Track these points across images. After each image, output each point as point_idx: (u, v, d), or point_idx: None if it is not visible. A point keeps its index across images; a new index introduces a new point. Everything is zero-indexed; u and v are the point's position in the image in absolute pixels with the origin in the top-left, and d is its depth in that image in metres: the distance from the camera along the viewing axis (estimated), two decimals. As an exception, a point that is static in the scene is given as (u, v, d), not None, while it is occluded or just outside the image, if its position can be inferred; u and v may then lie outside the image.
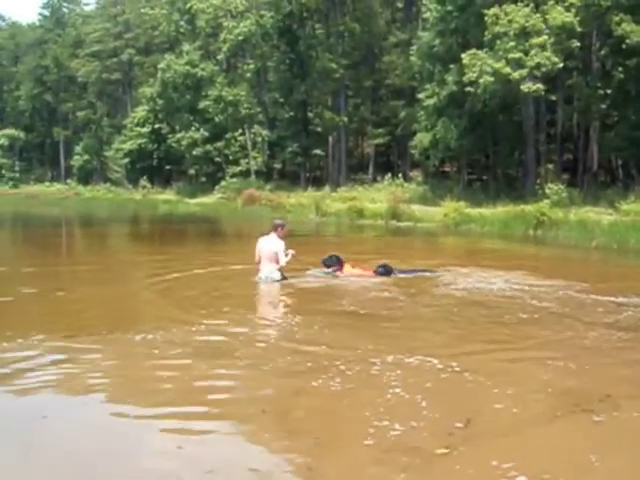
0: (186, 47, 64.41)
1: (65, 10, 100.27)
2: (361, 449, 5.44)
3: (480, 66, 34.08)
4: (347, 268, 14.37)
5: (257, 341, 9.12)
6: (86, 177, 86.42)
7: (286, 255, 13.58)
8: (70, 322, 10.39)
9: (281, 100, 59.61)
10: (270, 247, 13.52)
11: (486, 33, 35.16)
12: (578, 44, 34.14)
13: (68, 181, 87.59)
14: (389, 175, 46.32)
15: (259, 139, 60.92)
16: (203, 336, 9.23)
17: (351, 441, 5.69)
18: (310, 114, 59.37)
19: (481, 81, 34.03)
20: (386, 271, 14.18)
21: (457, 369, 7.52)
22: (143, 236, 33.66)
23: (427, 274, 14.75)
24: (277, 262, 13.51)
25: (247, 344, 8.90)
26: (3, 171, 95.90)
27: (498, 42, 34.43)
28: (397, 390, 6.76)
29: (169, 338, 8.99)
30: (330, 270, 14.23)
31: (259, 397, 6.89)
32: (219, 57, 64.70)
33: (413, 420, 5.95)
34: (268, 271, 13.50)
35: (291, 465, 5.24)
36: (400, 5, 62.29)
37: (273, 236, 13.71)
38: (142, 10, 78.25)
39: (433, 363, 7.72)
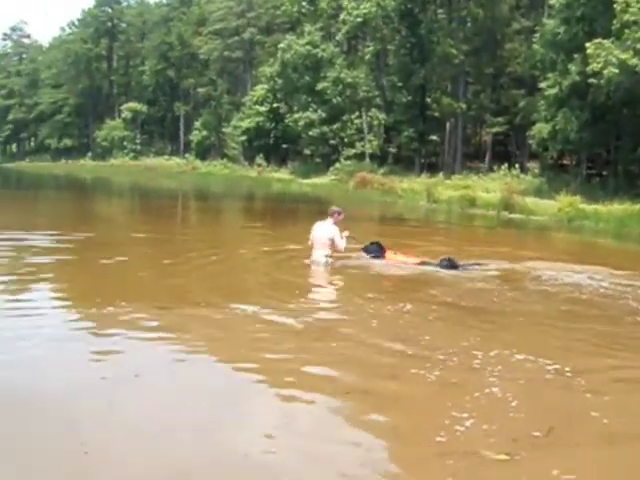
0: (307, 28, 64.76)
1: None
2: (425, 444, 5.37)
3: (605, 56, 32.85)
4: (390, 255, 14.13)
5: (357, 323, 9.08)
6: (204, 152, 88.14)
7: (342, 238, 13.51)
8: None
9: (399, 84, 59.10)
10: (323, 233, 13.48)
11: (614, 22, 33.83)
12: None
13: (186, 155, 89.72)
14: (505, 165, 45.46)
15: (375, 122, 60.76)
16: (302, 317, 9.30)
17: (421, 434, 5.63)
18: (428, 99, 58.65)
19: (605, 72, 32.85)
20: (451, 265, 13.49)
21: (563, 372, 7.19)
22: (255, 212, 34.10)
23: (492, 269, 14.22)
24: (330, 247, 13.47)
25: (346, 326, 8.97)
26: (125, 143, 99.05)
27: (627, 31, 33.01)
28: (491, 387, 6.57)
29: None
30: (371, 256, 14.06)
31: (349, 378, 6.94)
32: (339, 38, 64.65)
33: (493, 420, 5.77)
34: (317, 255, 13.47)
35: (354, 449, 5.25)
36: (526, -9, 60.88)
37: (329, 222, 13.64)
38: (266, -11, 78.96)
39: (539, 363, 7.42)
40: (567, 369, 7.26)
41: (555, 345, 8.58)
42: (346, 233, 13.73)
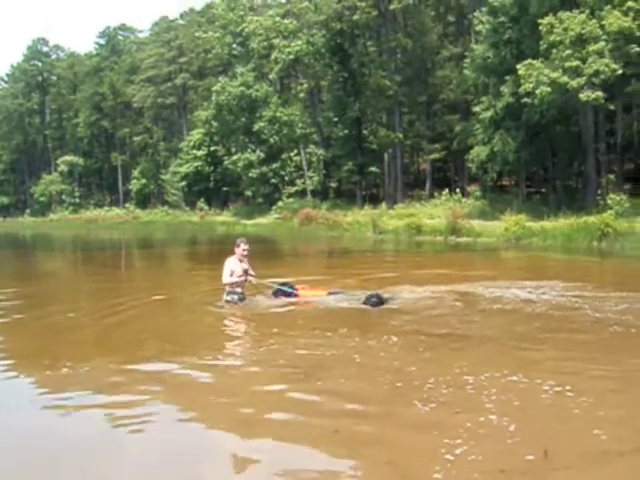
0: (239, 69, 64.84)
1: (120, 38, 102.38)
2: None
3: (536, 76, 33.36)
4: (303, 292, 13.69)
5: (346, 360, 8.85)
6: (144, 201, 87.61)
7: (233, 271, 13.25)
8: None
9: (335, 119, 59.29)
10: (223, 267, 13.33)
11: (541, 42, 34.47)
12: (638, 49, 33.05)
13: (126, 205, 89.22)
14: (446, 190, 45.94)
15: (314, 159, 61.00)
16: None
17: (418, 468, 5.43)
18: (365, 132, 59.03)
19: (538, 91, 33.30)
20: (379, 301, 12.63)
21: (557, 389, 7.10)
22: (201, 256, 33.77)
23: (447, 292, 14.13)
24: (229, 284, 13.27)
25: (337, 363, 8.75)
26: (63, 196, 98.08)
27: (554, 51, 33.67)
28: (486, 413, 6.43)
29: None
30: (288, 290, 13.57)
31: (342, 413, 6.77)
32: (272, 77, 64.87)
33: (488, 447, 5.59)
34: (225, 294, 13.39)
35: None
36: (452, 19, 61.74)
37: (233, 256, 13.49)
38: (195, 34, 78.94)
39: (533, 382, 7.35)
40: (556, 385, 7.21)
41: (540, 361, 8.52)
42: (250, 278, 13.58)
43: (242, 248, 13.43)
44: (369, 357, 8.93)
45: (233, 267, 13.22)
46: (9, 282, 22.03)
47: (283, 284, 13.85)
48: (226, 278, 13.15)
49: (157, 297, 14.55)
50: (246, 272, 13.40)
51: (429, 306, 12.56)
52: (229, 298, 13.24)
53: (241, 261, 13.41)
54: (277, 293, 13.56)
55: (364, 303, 12.63)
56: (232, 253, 13.38)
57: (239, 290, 13.34)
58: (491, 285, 14.75)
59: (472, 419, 6.26)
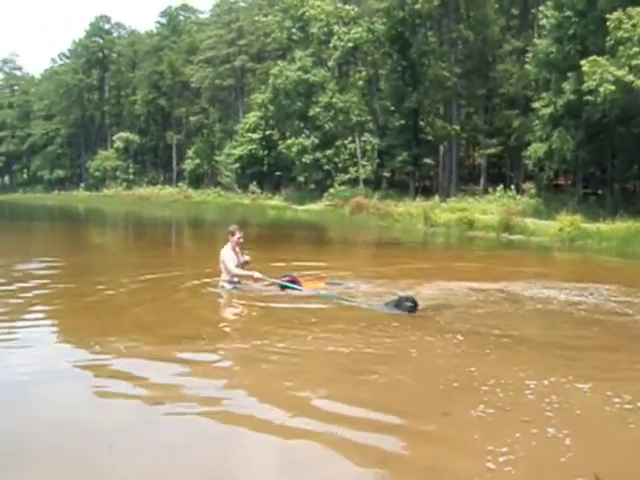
0: (298, 54, 64.62)
1: (181, 18, 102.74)
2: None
3: (601, 73, 32.53)
4: (307, 284, 13.28)
5: (402, 356, 8.62)
6: (197, 181, 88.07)
7: (237, 261, 13.08)
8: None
9: (392, 108, 58.74)
10: (220, 258, 13.11)
11: (608, 39, 33.57)
12: None
13: (179, 184, 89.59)
14: (501, 186, 45.31)
15: (369, 147, 60.61)
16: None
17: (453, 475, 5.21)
18: (421, 122, 58.41)
19: (601, 89, 32.52)
20: (413, 306, 11.16)
21: (628, 406, 6.68)
22: (251, 238, 33.71)
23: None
24: (226, 272, 13.04)
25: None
26: (118, 173, 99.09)
27: (621, 48, 32.73)
28: (544, 423, 6.12)
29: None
30: (294, 286, 12.95)
31: (396, 412, 6.54)
32: (330, 64, 64.57)
33: (536, 463, 5.30)
34: (221, 280, 13.17)
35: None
36: (515, 12, 60.67)
37: (227, 245, 13.25)
38: (255, 17, 78.89)
39: (601, 394, 7.00)
40: (627, 400, 6.81)
41: (611, 370, 8.18)
42: (247, 257, 13.37)
43: (237, 236, 13.26)
44: (426, 354, 8.67)
45: (233, 257, 13.09)
46: (60, 253, 22.59)
47: (287, 279, 13.14)
48: (235, 269, 13.02)
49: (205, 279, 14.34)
50: (247, 263, 13.29)
51: (479, 304, 12.24)
52: (225, 286, 13.10)
53: (235, 250, 13.23)
54: (283, 288, 12.96)
55: (396, 306, 11.26)
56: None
57: (236, 280, 13.21)
58: (547, 285, 14.42)
59: (527, 428, 5.99)
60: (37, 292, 13.23)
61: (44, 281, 14.63)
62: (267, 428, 6.05)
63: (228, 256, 13.01)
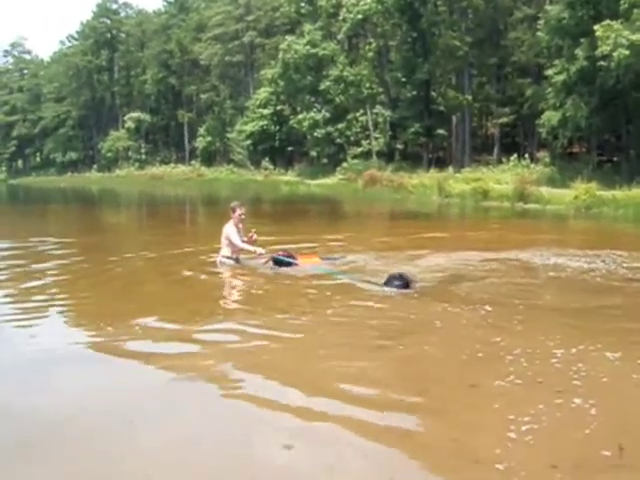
0: (307, 27, 64.22)
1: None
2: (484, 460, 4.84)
3: (615, 38, 32.09)
4: (304, 259, 13.06)
5: (421, 328, 8.52)
6: (209, 158, 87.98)
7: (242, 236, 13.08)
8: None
9: (403, 79, 58.36)
10: (223, 233, 13.05)
11: (621, 2, 33.08)
12: None
13: (192, 162, 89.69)
14: (515, 156, 44.93)
15: (381, 119, 60.28)
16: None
17: (479, 448, 5.06)
18: (433, 93, 57.97)
19: (615, 54, 32.09)
20: (404, 283, 10.55)
21: None
22: (266, 215, 33.67)
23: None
24: (228, 247, 13.03)
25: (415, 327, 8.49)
26: (130, 153, 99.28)
27: (635, 11, 32.25)
28: (570, 393, 5.99)
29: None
30: (290, 260, 12.73)
31: (425, 378, 6.61)
32: (339, 37, 64.14)
33: (553, 436, 5.16)
34: (219, 256, 13.20)
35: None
36: (526, -21, 60.15)
37: (230, 221, 13.17)
38: (263, -8, 78.61)
39: (633, 362, 6.86)
40: None
41: (635, 337, 8.01)
42: (254, 235, 13.24)
43: (238, 212, 13.21)
44: (450, 325, 8.53)
45: (236, 233, 13.03)
46: (75, 233, 22.98)
47: (282, 254, 13.01)
48: (241, 243, 12.97)
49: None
50: (255, 241, 13.20)
51: (496, 273, 12.14)
52: (225, 261, 13.12)
53: (238, 226, 13.18)
54: (279, 263, 12.69)
55: (385, 284, 10.62)
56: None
57: (235, 256, 13.22)
58: (563, 253, 14.33)
59: (554, 398, 5.87)
60: (53, 272, 13.23)
61: (61, 261, 14.62)
62: (289, 407, 5.94)
63: (232, 231, 12.96)
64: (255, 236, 13.24)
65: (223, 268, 12.98)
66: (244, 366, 7.08)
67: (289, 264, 12.62)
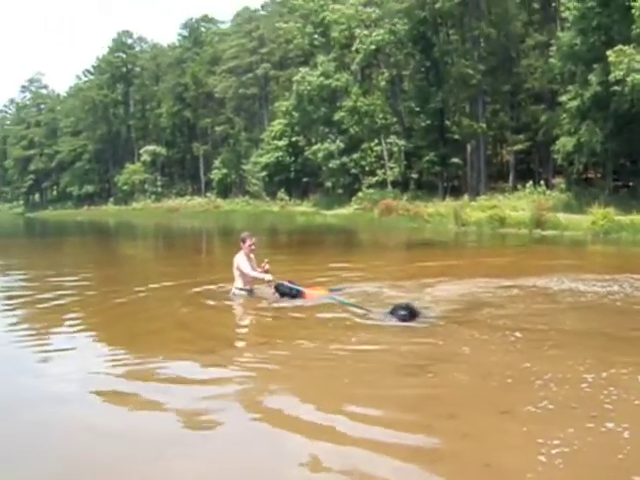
0: (320, 59, 64.58)
1: (202, 29, 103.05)
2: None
3: (628, 63, 32.22)
4: (310, 292, 12.77)
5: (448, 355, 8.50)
6: (225, 190, 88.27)
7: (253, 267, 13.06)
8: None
9: (417, 109, 58.71)
10: (234, 265, 13.06)
11: (633, 27, 33.25)
12: None
13: (208, 194, 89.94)
14: (530, 183, 44.87)
15: (395, 149, 60.41)
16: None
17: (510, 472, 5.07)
18: (447, 122, 58.26)
19: (629, 79, 32.17)
20: (411, 314, 10.27)
21: None
22: (282, 245, 33.71)
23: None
24: (241, 278, 12.98)
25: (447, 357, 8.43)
26: (146, 186, 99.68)
27: (647, 36, 32.52)
28: (599, 418, 5.96)
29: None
30: (295, 287, 12.61)
31: (456, 403, 6.61)
32: (353, 68, 64.49)
33: (585, 460, 5.13)
34: (234, 287, 13.17)
35: None
36: (537, 6, 60.26)
37: (241, 252, 13.18)
38: (276, 25, 79.16)
39: None
40: None
41: None
42: (266, 265, 13.15)
43: (248, 243, 13.23)
44: (479, 351, 8.54)
45: (247, 263, 13.04)
46: (90, 266, 23.02)
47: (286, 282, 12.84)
48: (251, 272, 12.98)
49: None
50: (267, 272, 13.07)
51: (518, 299, 12.18)
52: (237, 293, 13.11)
53: (249, 256, 13.19)
54: (283, 293, 12.61)
55: (391, 313, 10.44)
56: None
57: (248, 287, 13.18)
58: (583, 278, 14.28)
59: (586, 423, 5.87)
60: (72, 302, 13.41)
61: (78, 292, 14.86)
62: (322, 433, 5.97)
63: (243, 261, 13.00)
64: (267, 266, 13.19)
65: (237, 300, 12.96)
66: (275, 394, 7.15)
67: (294, 295, 12.52)
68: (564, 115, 41.52)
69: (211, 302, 12.75)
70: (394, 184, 58.68)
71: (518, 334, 9.25)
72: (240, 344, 9.59)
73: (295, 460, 5.50)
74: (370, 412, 6.37)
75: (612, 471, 5.01)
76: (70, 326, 11.15)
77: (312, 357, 8.49)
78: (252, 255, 13.34)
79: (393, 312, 10.38)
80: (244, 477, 5.35)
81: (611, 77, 33.36)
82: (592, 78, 36.82)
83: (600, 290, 12.77)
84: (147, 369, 8.20)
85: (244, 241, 13.23)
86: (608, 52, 33.57)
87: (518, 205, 39.88)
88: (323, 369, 7.99)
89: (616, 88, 33.64)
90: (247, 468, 5.47)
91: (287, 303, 12.28)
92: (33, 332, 10.87)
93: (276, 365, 8.22)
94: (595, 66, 36.52)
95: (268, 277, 12.84)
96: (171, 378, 7.83)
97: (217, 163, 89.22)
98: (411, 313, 10.28)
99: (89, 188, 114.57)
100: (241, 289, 13.09)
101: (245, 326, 11.41)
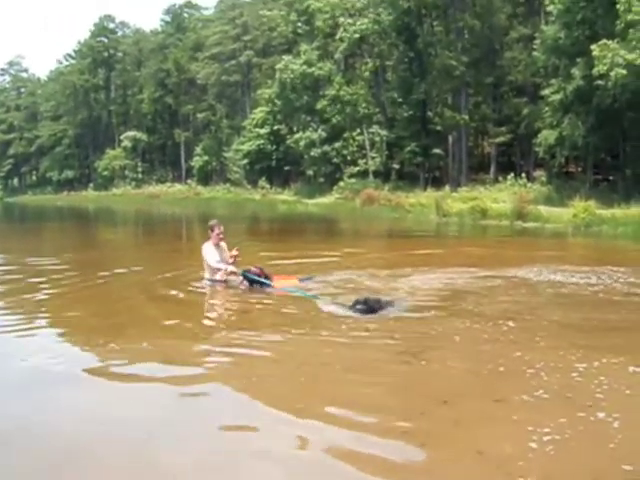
0: (304, 47, 64.42)
1: (185, 15, 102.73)
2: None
3: (611, 58, 32.31)
4: (279, 281, 12.66)
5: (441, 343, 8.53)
6: (206, 177, 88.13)
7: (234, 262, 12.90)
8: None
9: (400, 99, 58.74)
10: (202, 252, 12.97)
11: (617, 22, 33.29)
12: None
13: (188, 181, 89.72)
14: (511, 175, 45.01)
15: (377, 139, 60.38)
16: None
17: (502, 458, 5.09)
18: (429, 113, 58.29)
19: (612, 74, 32.26)
20: (368, 308, 10.08)
21: None
22: (263, 233, 33.70)
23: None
24: (209, 268, 12.84)
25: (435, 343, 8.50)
26: (126, 172, 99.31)
27: (631, 31, 32.39)
28: (591, 407, 6.02)
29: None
30: (263, 280, 12.42)
31: (449, 392, 6.61)
32: (336, 56, 64.38)
33: (577, 449, 5.17)
34: (205, 277, 13.03)
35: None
36: (521, -1, 60.46)
37: (208, 241, 13.10)
38: (260, 12, 79.01)
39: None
40: None
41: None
42: (236, 252, 13.07)
43: (216, 232, 13.07)
44: (470, 340, 8.56)
45: (214, 252, 12.89)
46: (69, 250, 23.11)
47: (255, 272, 12.61)
48: (214, 263, 12.77)
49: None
50: (236, 257, 13.05)
51: (501, 290, 12.23)
52: (206, 283, 12.98)
53: (219, 245, 13.09)
54: (251, 281, 12.46)
55: (350, 308, 10.30)
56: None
57: (217, 277, 12.95)
58: (568, 269, 14.40)
59: (578, 412, 5.92)
60: (50, 289, 13.16)
61: (57, 276, 14.67)
62: (311, 417, 6.01)
63: (208, 252, 12.84)
64: (237, 253, 13.07)
65: (208, 290, 12.76)
66: (262, 379, 7.14)
67: (262, 284, 12.41)
68: (546, 108, 41.66)
69: (174, 292, 12.52)
70: (375, 174, 58.72)
71: (509, 323, 9.31)
72: (214, 334, 9.48)
73: (283, 442, 5.52)
74: (361, 398, 6.39)
75: (603, 459, 5.04)
76: (48, 311, 11.08)
77: (301, 344, 8.49)
78: (223, 243, 13.22)
79: (352, 306, 10.28)
80: (231, 460, 5.34)
81: (594, 71, 33.41)
82: (575, 72, 36.90)
83: (581, 281, 12.86)
84: (119, 363, 8.05)
85: (212, 229, 13.06)
86: (592, 46, 33.60)
87: (499, 197, 39.96)
88: (315, 358, 7.96)
89: (599, 82, 33.72)
90: (234, 451, 5.48)
91: (256, 293, 12.16)
92: (8, 315, 10.83)
93: (262, 351, 8.21)
94: (579, 60, 36.59)
95: (231, 268, 12.68)
96: (155, 361, 7.84)
97: (198, 150, 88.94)
98: (369, 308, 10.09)
99: (69, 173, 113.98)
100: (209, 279, 12.90)
101: (210, 318, 11.24)
